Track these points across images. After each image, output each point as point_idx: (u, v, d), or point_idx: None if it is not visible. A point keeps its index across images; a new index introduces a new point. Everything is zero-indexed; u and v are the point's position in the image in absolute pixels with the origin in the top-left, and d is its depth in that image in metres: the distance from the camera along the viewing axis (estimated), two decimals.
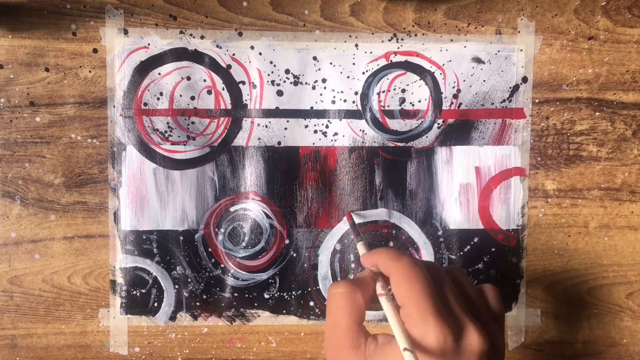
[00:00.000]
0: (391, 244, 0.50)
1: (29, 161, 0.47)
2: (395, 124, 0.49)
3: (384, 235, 0.49)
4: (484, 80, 0.49)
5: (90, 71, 0.47)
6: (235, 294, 0.49)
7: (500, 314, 0.36)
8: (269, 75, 0.48)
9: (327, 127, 0.48)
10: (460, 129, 0.49)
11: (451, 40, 0.48)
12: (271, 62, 0.48)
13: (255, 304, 0.50)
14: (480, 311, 0.34)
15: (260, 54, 0.48)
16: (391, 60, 0.48)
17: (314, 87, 0.48)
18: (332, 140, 0.49)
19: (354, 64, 0.48)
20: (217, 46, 0.47)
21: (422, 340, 0.29)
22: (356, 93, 0.48)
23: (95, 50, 0.47)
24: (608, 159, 0.50)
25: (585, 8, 0.48)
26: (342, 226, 0.49)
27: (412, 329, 0.30)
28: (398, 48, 0.48)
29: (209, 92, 0.48)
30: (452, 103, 0.49)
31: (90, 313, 0.49)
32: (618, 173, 0.50)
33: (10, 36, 0.46)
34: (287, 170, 0.49)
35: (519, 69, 0.49)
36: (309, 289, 0.50)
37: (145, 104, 0.48)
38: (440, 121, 0.49)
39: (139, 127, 0.48)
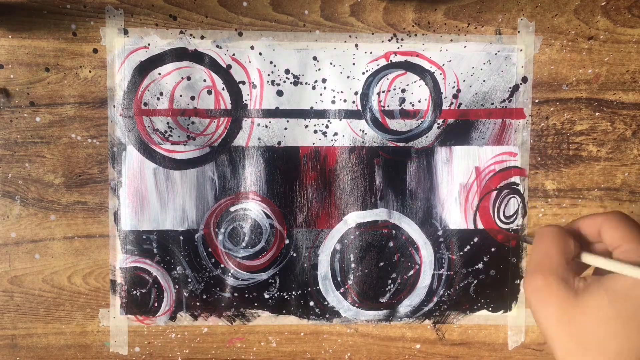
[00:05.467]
0: (391, 244, 0.50)
1: (29, 161, 0.47)
2: (395, 124, 0.49)
3: (384, 235, 0.49)
4: (484, 80, 0.49)
5: (90, 71, 0.47)
6: (235, 294, 0.49)
7: None
8: (269, 75, 0.48)
9: (327, 127, 0.48)
10: (460, 129, 0.49)
11: (451, 40, 0.48)
12: (271, 62, 0.48)
13: (255, 304, 0.50)
14: None
15: (260, 54, 0.48)
16: (391, 60, 0.48)
17: (314, 87, 0.48)
18: (332, 140, 0.49)
19: (354, 64, 0.48)
20: (217, 46, 0.47)
21: None
22: (356, 93, 0.48)
23: (95, 50, 0.47)
24: (608, 159, 0.50)
25: (585, 8, 0.48)
26: (342, 226, 0.49)
27: (634, 261, 0.30)
28: (398, 48, 0.48)
29: (209, 92, 0.48)
30: (452, 103, 0.49)
31: (90, 313, 0.49)
32: (618, 173, 0.50)
33: (10, 36, 0.46)
34: (287, 170, 0.49)
35: (519, 69, 0.49)
36: (309, 289, 0.50)
37: (145, 104, 0.48)
38: (440, 121, 0.49)
39: (139, 127, 0.48)
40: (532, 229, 0.50)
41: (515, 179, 0.50)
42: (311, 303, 0.50)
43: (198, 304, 0.49)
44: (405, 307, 0.50)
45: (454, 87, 0.49)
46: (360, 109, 0.48)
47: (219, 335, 0.50)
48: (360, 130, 0.49)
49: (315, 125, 0.48)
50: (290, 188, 0.49)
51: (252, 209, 0.49)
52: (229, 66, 0.48)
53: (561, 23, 0.48)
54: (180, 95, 0.48)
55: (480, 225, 0.50)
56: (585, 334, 0.31)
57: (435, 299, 0.50)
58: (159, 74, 0.47)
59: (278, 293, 0.50)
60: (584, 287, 0.31)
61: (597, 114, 0.49)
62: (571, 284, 0.32)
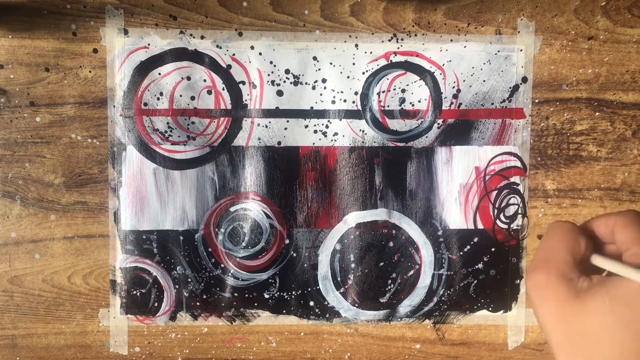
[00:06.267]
0: (391, 244, 0.50)
1: (29, 161, 0.47)
2: (395, 124, 0.49)
3: (384, 235, 0.49)
4: (484, 80, 0.49)
5: (90, 71, 0.47)
6: (235, 294, 0.49)
7: None
8: (269, 75, 0.48)
9: (327, 127, 0.48)
10: (460, 129, 0.49)
11: (451, 40, 0.48)
12: (271, 62, 0.48)
13: (255, 304, 0.50)
14: None
15: (260, 54, 0.48)
16: (391, 60, 0.48)
17: (314, 87, 0.48)
18: (332, 140, 0.49)
19: (354, 64, 0.48)
20: (217, 46, 0.47)
21: None
22: (356, 93, 0.48)
23: (95, 50, 0.47)
24: (608, 159, 0.50)
25: (585, 8, 0.48)
26: (342, 226, 0.49)
27: None
28: (398, 48, 0.48)
29: (209, 92, 0.48)
30: (452, 103, 0.49)
31: (91, 313, 0.49)
32: (618, 173, 0.50)
33: (10, 36, 0.46)
34: (287, 170, 0.49)
35: (519, 69, 0.49)
36: (309, 289, 0.50)
37: (145, 104, 0.48)
38: (440, 121, 0.49)
39: (139, 127, 0.48)
40: (531, 229, 0.50)
41: (515, 179, 0.50)
42: (311, 303, 0.50)
43: (198, 304, 0.49)
44: (405, 307, 0.50)
45: (454, 87, 0.49)
46: (360, 109, 0.48)
47: (219, 335, 0.50)
48: (360, 130, 0.49)
49: (315, 125, 0.48)
50: (290, 188, 0.49)
51: (252, 209, 0.49)
52: (229, 66, 0.48)
53: (561, 23, 0.48)
54: (180, 95, 0.48)
55: (480, 225, 0.50)
56: (582, 335, 0.30)
57: (435, 299, 0.50)
58: (159, 74, 0.47)
59: (278, 293, 0.50)
60: (588, 287, 0.31)
61: (597, 114, 0.49)
62: (574, 284, 0.31)
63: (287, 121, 0.48)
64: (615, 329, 0.29)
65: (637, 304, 0.29)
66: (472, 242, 0.50)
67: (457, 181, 0.49)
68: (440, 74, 0.48)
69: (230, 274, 0.49)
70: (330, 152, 0.49)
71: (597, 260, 0.32)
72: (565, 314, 0.31)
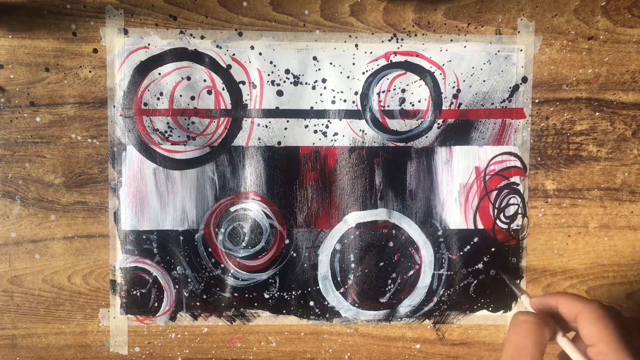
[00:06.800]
0: (391, 244, 0.50)
1: (29, 161, 0.47)
2: (395, 124, 0.49)
3: (384, 235, 0.49)
4: (484, 80, 0.49)
5: (90, 71, 0.47)
6: (235, 294, 0.49)
7: None
8: (269, 75, 0.48)
9: (327, 127, 0.48)
10: (460, 129, 0.49)
11: (451, 40, 0.48)
12: (271, 62, 0.48)
13: (255, 304, 0.50)
14: None
15: (260, 54, 0.48)
16: (391, 60, 0.48)
17: (314, 87, 0.48)
18: (332, 140, 0.49)
19: (354, 64, 0.48)
20: (217, 46, 0.47)
21: None
22: (356, 93, 0.48)
23: (95, 50, 0.47)
24: (608, 159, 0.50)
25: (585, 8, 0.48)
26: (342, 226, 0.49)
27: None
28: (398, 48, 0.48)
29: (209, 92, 0.48)
30: (452, 103, 0.49)
31: (90, 313, 0.49)
32: (618, 173, 0.50)
33: (10, 36, 0.46)
34: (287, 170, 0.49)
35: (519, 69, 0.49)
36: (309, 289, 0.50)
37: (145, 104, 0.48)
38: (440, 121, 0.49)
39: (139, 127, 0.48)
40: (531, 229, 0.50)
41: (515, 179, 0.50)
42: (311, 303, 0.50)
43: (198, 304, 0.49)
44: (405, 307, 0.50)
45: (454, 87, 0.49)
46: (360, 109, 0.48)
47: (219, 335, 0.50)
48: (360, 130, 0.49)
49: (315, 125, 0.48)
50: (290, 188, 0.49)
51: (252, 209, 0.49)
52: (229, 66, 0.48)
53: (561, 23, 0.48)
54: (180, 95, 0.48)
55: (480, 225, 0.50)
56: None
57: (435, 299, 0.50)
58: (159, 74, 0.47)
59: (278, 293, 0.50)
60: None
61: (597, 114, 0.49)
62: None
63: (287, 121, 0.48)
64: None
65: None
66: (472, 242, 0.50)
67: (457, 181, 0.49)
68: (440, 74, 0.48)
69: (230, 274, 0.49)
70: (330, 152, 0.49)
71: (562, 343, 0.33)
72: None
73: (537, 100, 0.49)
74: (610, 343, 0.30)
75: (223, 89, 0.48)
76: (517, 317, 0.34)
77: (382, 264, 0.50)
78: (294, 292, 0.50)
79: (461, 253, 0.50)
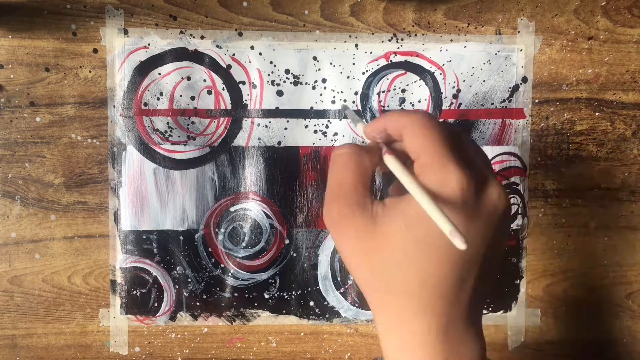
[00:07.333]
0: None
1: (29, 161, 0.47)
2: None
3: None
4: (484, 81, 0.49)
5: (90, 71, 0.47)
6: (235, 294, 0.49)
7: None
8: (269, 75, 0.48)
9: (327, 127, 0.48)
10: (460, 129, 0.49)
11: (451, 40, 0.48)
12: (271, 62, 0.48)
13: (255, 304, 0.50)
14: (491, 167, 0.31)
15: (260, 54, 0.48)
16: (391, 61, 0.48)
17: (314, 87, 0.48)
18: (332, 140, 0.49)
19: (354, 64, 0.48)
20: (217, 46, 0.47)
21: (440, 189, 0.26)
22: (356, 93, 0.48)
23: (95, 50, 0.47)
24: (608, 159, 0.50)
25: (585, 8, 0.48)
26: None
27: (429, 179, 0.27)
28: (398, 48, 0.48)
29: (209, 92, 0.48)
30: (452, 103, 0.49)
31: (90, 313, 0.49)
32: (618, 173, 0.50)
33: (10, 36, 0.46)
34: (287, 170, 0.49)
35: (519, 69, 0.49)
36: (309, 289, 0.50)
37: (146, 104, 0.48)
38: (440, 121, 0.49)
39: (139, 127, 0.48)
40: (531, 229, 0.50)
41: (515, 179, 0.50)
42: (311, 303, 0.50)
43: (198, 304, 0.49)
44: None
45: (454, 87, 0.49)
46: (360, 109, 0.48)
47: (219, 335, 0.50)
48: None
49: (315, 125, 0.48)
50: (290, 188, 0.49)
51: (252, 209, 0.49)
52: (229, 66, 0.48)
53: (561, 23, 0.48)
54: (180, 95, 0.48)
55: None
56: (385, 264, 0.28)
57: None
58: (159, 74, 0.47)
59: (278, 293, 0.50)
60: (382, 212, 0.28)
61: (597, 114, 0.49)
62: (368, 210, 0.28)
63: (287, 121, 0.48)
64: (415, 250, 0.27)
65: (429, 222, 0.25)
66: None
67: None
68: (440, 74, 0.48)
69: (230, 274, 0.49)
70: (331, 152, 0.49)
71: (388, 161, 0.29)
72: (365, 245, 0.28)
73: (537, 100, 0.49)
74: (434, 153, 0.27)
75: (223, 89, 0.48)
76: (334, 152, 0.30)
77: None
78: (294, 292, 0.50)
79: None
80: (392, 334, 0.29)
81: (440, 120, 0.29)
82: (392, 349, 0.29)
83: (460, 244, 0.24)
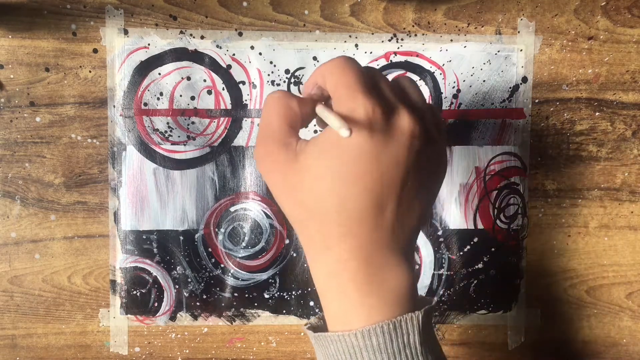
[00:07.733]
0: None
1: (29, 161, 0.47)
2: None
3: None
4: (484, 81, 0.49)
5: (90, 71, 0.47)
6: (235, 294, 0.49)
7: (434, 107, 0.35)
8: (269, 75, 0.48)
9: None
10: (460, 129, 0.49)
11: (451, 40, 0.48)
12: (271, 62, 0.48)
13: (255, 304, 0.50)
14: (414, 101, 0.32)
15: (260, 54, 0.48)
16: (391, 61, 0.48)
17: None
18: None
19: None
20: (217, 46, 0.47)
21: (350, 114, 0.28)
22: None
23: (95, 50, 0.47)
24: (608, 159, 0.50)
25: (585, 8, 0.48)
26: None
27: (341, 109, 0.29)
28: (398, 48, 0.48)
29: (209, 92, 0.48)
30: (452, 103, 0.49)
31: (90, 313, 0.49)
32: (618, 173, 0.50)
33: (10, 36, 0.46)
34: None
35: (519, 69, 0.49)
36: (309, 289, 0.50)
37: (146, 104, 0.48)
38: None
39: (139, 127, 0.48)
40: (531, 229, 0.50)
41: (515, 179, 0.50)
42: (311, 303, 0.50)
43: (198, 304, 0.49)
44: None
45: (454, 87, 0.49)
46: None
47: (219, 335, 0.50)
48: None
49: (315, 125, 0.48)
50: None
51: (252, 209, 0.49)
52: (229, 66, 0.48)
53: (561, 23, 0.48)
54: (180, 95, 0.48)
55: (480, 225, 0.50)
56: (306, 195, 0.30)
57: (435, 299, 0.50)
58: (159, 74, 0.47)
59: (278, 293, 0.50)
60: (304, 147, 0.30)
61: (597, 114, 0.49)
62: (292, 147, 0.31)
63: None
64: (332, 179, 0.29)
65: (341, 148, 0.28)
66: (472, 242, 0.50)
67: (457, 181, 0.49)
68: (440, 74, 0.48)
69: (230, 274, 0.49)
70: None
71: (319, 110, 0.31)
72: (289, 180, 0.31)
73: (537, 100, 0.49)
74: (347, 87, 0.29)
75: (223, 89, 0.48)
76: (267, 96, 0.32)
77: None
78: (294, 292, 0.50)
79: (461, 253, 0.50)
80: (318, 261, 0.31)
81: (362, 65, 0.32)
82: (319, 275, 0.31)
83: (345, 132, 0.26)
